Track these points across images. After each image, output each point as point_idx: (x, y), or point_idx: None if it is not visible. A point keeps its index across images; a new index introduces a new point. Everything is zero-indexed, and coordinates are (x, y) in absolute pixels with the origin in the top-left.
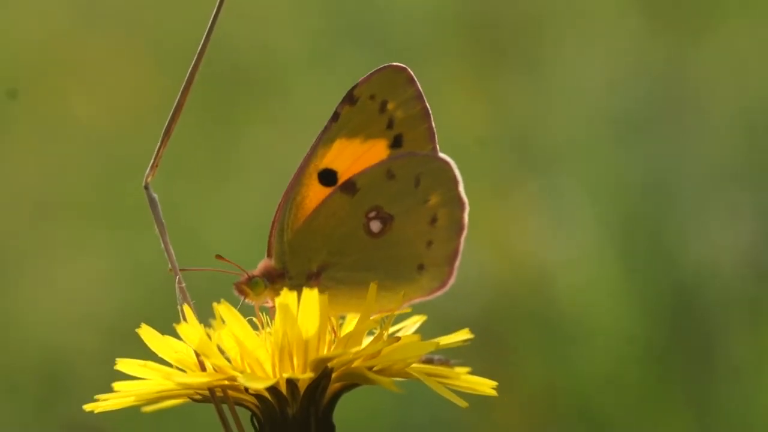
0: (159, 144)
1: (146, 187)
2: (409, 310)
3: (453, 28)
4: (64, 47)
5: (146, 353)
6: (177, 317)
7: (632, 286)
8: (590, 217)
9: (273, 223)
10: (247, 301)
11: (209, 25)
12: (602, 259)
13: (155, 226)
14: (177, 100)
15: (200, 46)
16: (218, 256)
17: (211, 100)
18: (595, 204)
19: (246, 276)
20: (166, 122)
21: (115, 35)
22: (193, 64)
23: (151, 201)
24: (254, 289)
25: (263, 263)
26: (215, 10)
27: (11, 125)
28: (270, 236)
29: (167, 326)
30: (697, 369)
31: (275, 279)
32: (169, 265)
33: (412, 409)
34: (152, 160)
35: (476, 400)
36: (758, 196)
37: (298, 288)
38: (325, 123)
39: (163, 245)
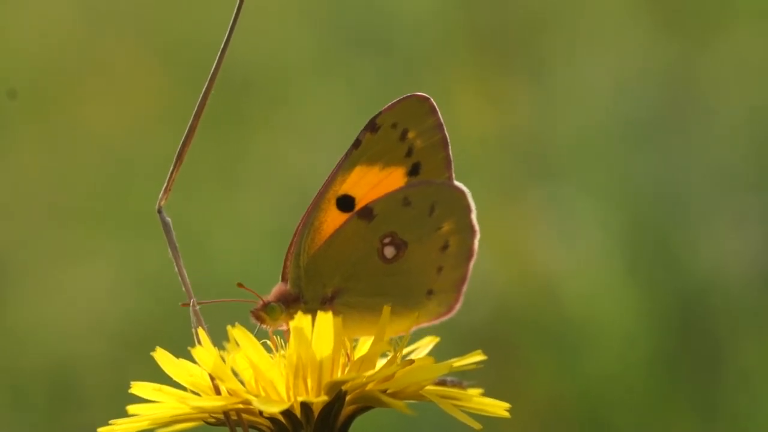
0: (172, 168)
1: (159, 211)
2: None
3: (460, 34)
4: (72, 53)
5: (154, 363)
6: (185, 325)
7: (640, 293)
8: (597, 223)
9: (290, 247)
10: (263, 327)
11: (222, 47)
12: (609, 265)
13: (169, 251)
14: (189, 124)
15: (213, 68)
16: (240, 285)
17: (219, 110)
18: (603, 210)
19: (262, 302)
20: (179, 146)
21: (124, 41)
22: (205, 87)
23: (165, 225)
24: (271, 314)
25: (278, 288)
26: (228, 31)
27: (18, 131)
28: (286, 260)
29: (175, 335)
30: (704, 376)
31: (290, 303)
32: (183, 288)
33: (419, 417)
34: (165, 184)
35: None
36: (766, 202)
37: (312, 312)
38: (332, 133)
39: (176, 269)
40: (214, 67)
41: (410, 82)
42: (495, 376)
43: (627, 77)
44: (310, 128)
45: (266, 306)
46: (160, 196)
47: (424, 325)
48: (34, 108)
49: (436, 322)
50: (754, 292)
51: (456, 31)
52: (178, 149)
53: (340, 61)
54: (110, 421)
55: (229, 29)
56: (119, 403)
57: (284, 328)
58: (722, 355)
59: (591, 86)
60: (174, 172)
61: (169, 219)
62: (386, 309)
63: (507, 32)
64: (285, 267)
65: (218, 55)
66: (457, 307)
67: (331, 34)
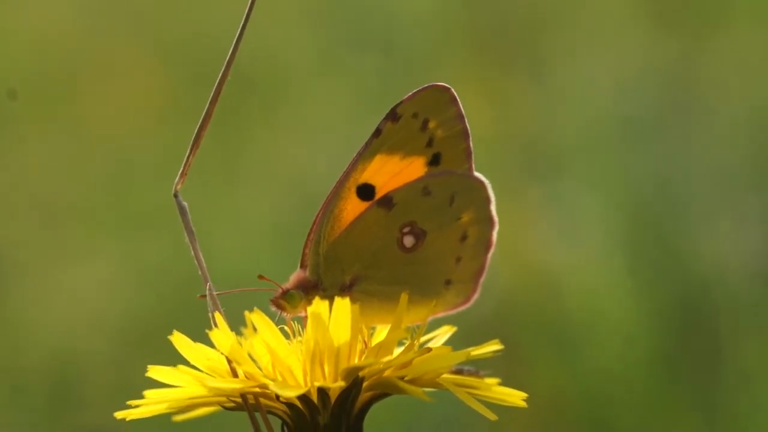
0: (188, 152)
1: (176, 195)
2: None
3: (460, 33)
4: (72, 53)
5: (158, 359)
6: (187, 321)
7: (641, 291)
8: (598, 221)
9: (309, 234)
10: (284, 315)
11: (240, 29)
12: (610, 264)
13: (185, 235)
14: (206, 109)
15: (230, 53)
16: (261, 276)
17: (220, 107)
18: (603, 208)
19: (281, 290)
20: (195, 130)
21: (124, 40)
22: (222, 71)
23: (181, 209)
24: (291, 302)
25: (296, 275)
26: (243, 22)
27: (18, 131)
28: (305, 247)
29: (178, 330)
30: (705, 374)
31: (309, 290)
32: (199, 272)
33: (422, 413)
34: (182, 168)
35: (486, 404)
36: (767, 201)
37: (331, 299)
38: (333, 131)
39: (193, 253)
40: (231, 49)
41: (411, 82)
42: (496, 372)
43: (627, 76)
44: (310, 127)
45: (286, 293)
46: (176, 180)
47: (441, 314)
48: (34, 107)
49: (454, 311)
50: (755, 290)
51: (456, 30)
52: (195, 133)
53: (340, 60)
54: (128, 402)
55: (244, 17)
56: (120, 401)
57: (303, 314)
58: (723, 353)
59: (591, 85)
60: (191, 156)
61: (185, 203)
62: (404, 297)
63: (507, 31)
64: (304, 254)
65: (236, 38)
66: (475, 297)
67: (332, 33)
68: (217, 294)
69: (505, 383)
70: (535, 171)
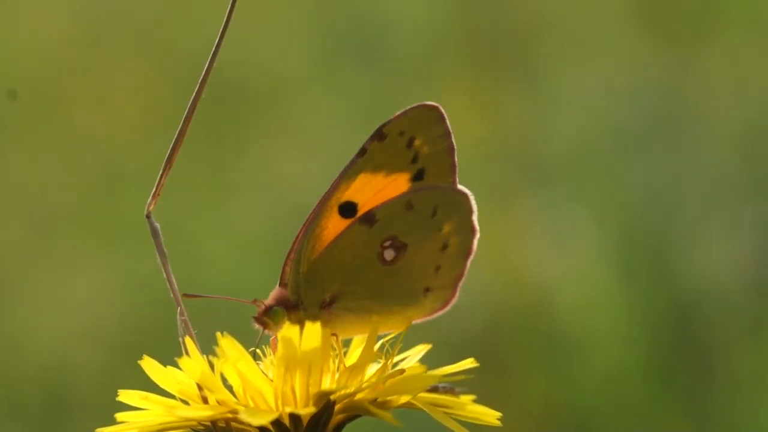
0: (161, 173)
1: (148, 216)
2: (413, 334)
3: (453, 42)
4: (66, 61)
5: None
6: (178, 333)
7: (633, 301)
8: (590, 231)
9: (289, 253)
10: (267, 332)
11: (211, 55)
12: (603, 273)
13: (157, 257)
14: (178, 130)
15: (202, 74)
16: (255, 301)
17: (211, 118)
18: (596, 217)
19: (264, 307)
20: (168, 151)
21: (119, 49)
22: (194, 94)
23: (153, 231)
24: (274, 319)
25: (276, 293)
26: (218, 39)
27: (8, 138)
28: (285, 265)
29: (169, 341)
30: (697, 383)
31: (290, 309)
32: (172, 295)
33: (409, 423)
34: (154, 189)
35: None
36: (759, 209)
37: (311, 318)
38: (326, 141)
39: (165, 276)
40: (204, 71)
41: (404, 90)
42: (487, 383)
43: (619, 86)
44: (303, 136)
45: (269, 310)
46: (149, 201)
47: (420, 320)
48: (25, 116)
49: (432, 316)
50: (747, 300)
51: (449, 39)
52: (167, 154)
53: (334, 69)
54: (97, 430)
55: (220, 32)
56: (113, 412)
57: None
58: (715, 362)
59: (583, 95)
60: (163, 177)
61: (157, 224)
62: (375, 319)
63: (500, 41)
64: (284, 273)
65: (209, 58)
66: (453, 301)
67: (325, 42)
68: (195, 297)
69: (496, 395)
70: (526, 180)
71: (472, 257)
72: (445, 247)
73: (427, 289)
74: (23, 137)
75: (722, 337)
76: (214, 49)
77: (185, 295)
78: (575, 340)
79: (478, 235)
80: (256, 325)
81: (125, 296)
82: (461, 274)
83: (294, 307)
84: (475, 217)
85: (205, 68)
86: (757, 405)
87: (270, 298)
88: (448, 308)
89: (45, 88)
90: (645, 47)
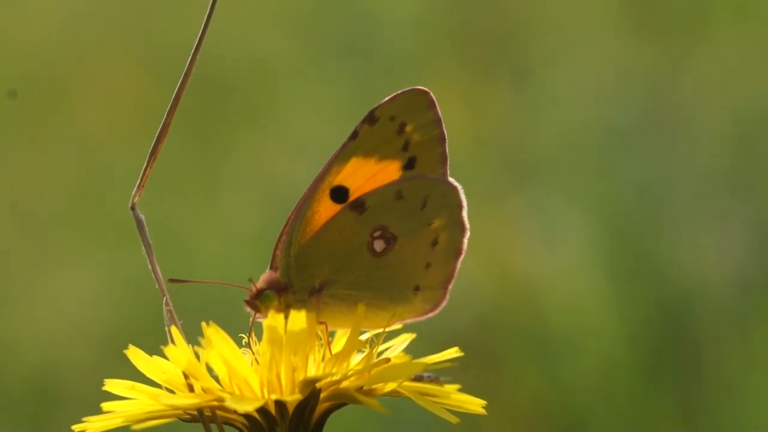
0: (145, 164)
1: (133, 208)
2: (400, 326)
3: (444, 40)
4: (56, 61)
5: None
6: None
7: (622, 299)
8: (580, 229)
9: (281, 235)
10: (258, 317)
11: (195, 46)
12: (591, 271)
13: (142, 248)
14: (163, 121)
15: (186, 67)
16: (250, 280)
17: (200, 114)
18: (585, 216)
19: (255, 290)
20: (153, 143)
21: (110, 48)
22: (179, 84)
23: (138, 222)
24: (265, 303)
25: (267, 275)
26: (201, 31)
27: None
28: (276, 248)
29: (160, 340)
30: (687, 381)
31: (280, 292)
32: (157, 286)
33: (400, 422)
34: (139, 181)
35: (465, 413)
36: (748, 207)
37: (300, 303)
38: (315, 137)
39: (150, 267)
40: (188, 61)
41: (393, 87)
42: (476, 381)
43: (609, 84)
44: (293, 132)
45: (260, 294)
46: (134, 192)
47: (409, 321)
48: (16, 116)
49: (422, 318)
50: (736, 298)
51: (440, 37)
52: (152, 146)
53: (323, 65)
54: (84, 419)
55: (203, 25)
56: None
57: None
58: (704, 361)
59: (573, 92)
60: (147, 169)
61: (142, 216)
62: (361, 306)
63: (491, 39)
64: (275, 255)
65: (192, 50)
66: (443, 304)
67: (314, 39)
68: (180, 282)
69: (486, 392)
70: (516, 178)
71: (462, 257)
72: (435, 243)
73: (417, 288)
74: (11, 138)
75: (711, 334)
76: (197, 40)
77: (170, 281)
78: (564, 337)
79: (468, 234)
80: (248, 309)
81: (115, 295)
82: (451, 275)
83: (284, 289)
84: (465, 213)
85: (189, 59)
86: (746, 402)
87: (261, 281)
88: (437, 311)
89: (36, 89)
90: (634, 45)
